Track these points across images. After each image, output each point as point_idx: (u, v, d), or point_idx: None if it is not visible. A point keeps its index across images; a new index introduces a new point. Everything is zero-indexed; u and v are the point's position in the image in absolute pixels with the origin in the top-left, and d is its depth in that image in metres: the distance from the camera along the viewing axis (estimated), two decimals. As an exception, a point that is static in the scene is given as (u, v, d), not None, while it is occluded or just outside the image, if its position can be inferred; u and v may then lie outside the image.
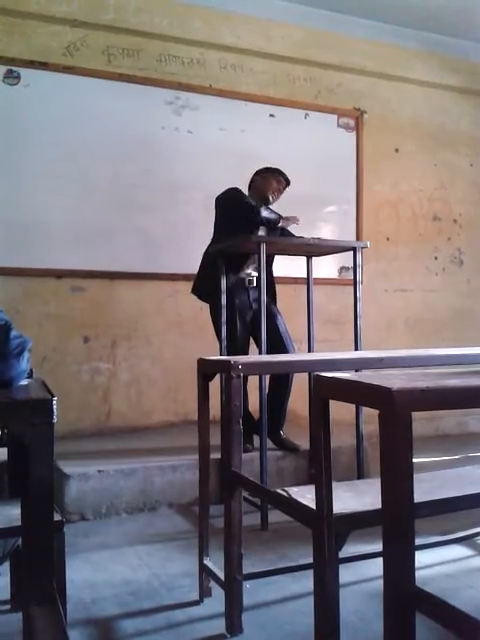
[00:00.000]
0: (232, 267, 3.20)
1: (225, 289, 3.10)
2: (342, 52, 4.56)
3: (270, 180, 3.32)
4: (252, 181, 3.40)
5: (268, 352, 3.09)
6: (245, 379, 3.06)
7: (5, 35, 3.74)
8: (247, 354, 3.18)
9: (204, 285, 3.28)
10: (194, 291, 3.38)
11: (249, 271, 3.27)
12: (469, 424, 4.77)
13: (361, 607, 1.89)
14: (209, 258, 3.24)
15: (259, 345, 2.88)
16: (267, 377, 2.91)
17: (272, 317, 3.23)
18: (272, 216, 3.13)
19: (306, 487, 1.60)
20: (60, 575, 1.59)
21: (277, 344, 3.15)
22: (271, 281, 3.34)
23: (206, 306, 3.35)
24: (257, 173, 3.40)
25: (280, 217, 3.15)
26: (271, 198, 3.32)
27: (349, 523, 1.41)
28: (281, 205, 3.43)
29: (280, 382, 3.20)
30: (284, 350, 3.17)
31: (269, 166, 3.38)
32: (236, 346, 3.13)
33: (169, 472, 2.97)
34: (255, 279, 3.19)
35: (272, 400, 3.19)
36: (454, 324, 4.88)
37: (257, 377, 2.86)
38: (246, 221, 3.14)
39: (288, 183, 3.37)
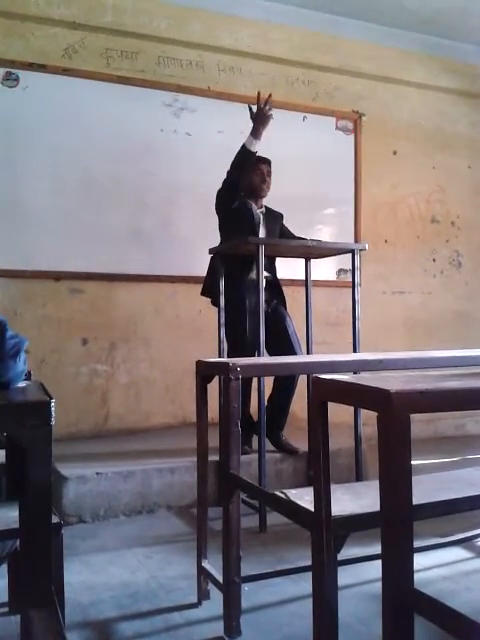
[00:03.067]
0: (241, 268, 3.19)
1: (234, 290, 3.10)
2: (340, 55, 4.57)
3: (256, 171, 3.26)
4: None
5: (275, 354, 3.10)
6: (248, 381, 3.06)
7: (4, 37, 3.74)
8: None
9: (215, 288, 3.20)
10: (205, 293, 3.31)
11: (256, 272, 3.23)
12: (467, 426, 4.78)
13: (360, 609, 1.89)
14: (214, 261, 3.23)
15: (267, 346, 2.88)
16: (265, 379, 2.90)
17: (282, 319, 3.24)
18: (254, 138, 3.09)
19: (304, 489, 1.60)
20: (58, 577, 1.59)
21: (285, 346, 3.15)
22: (277, 283, 3.33)
23: (205, 308, 3.34)
24: None
25: (255, 128, 3.09)
26: (265, 187, 3.30)
27: (348, 525, 1.41)
28: (281, 205, 3.44)
29: (284, 384, 3.19)
30: (291, 353, 3.16)
31: None
32: (245, 348, 3.08)
33: (167, 474, 2.97)
34: (265, 280, 3.18)
35: (275, 402, 3.20)
36: (452, 326, 4.89)
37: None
38: (240, 166, 3.09)
39: (269, 161, 3.32)
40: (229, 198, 3.17)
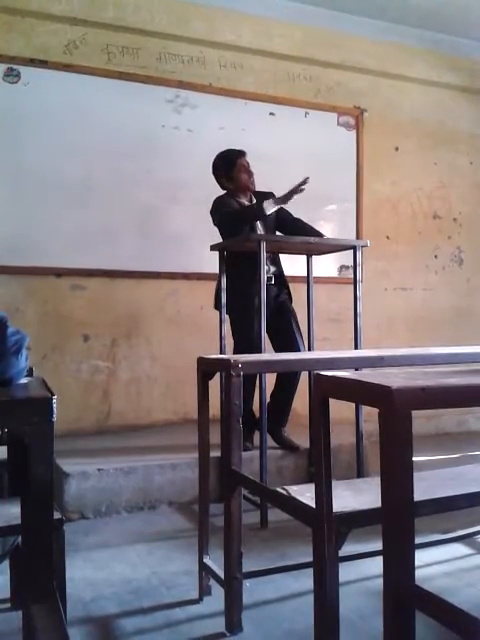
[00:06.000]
0: (248, 264, 3.17)
1: (241, 286, 3.09)
2: (342, 50, 4.56)
3: (240, 168, 3.22)
4: (224, 180, 3.30)
5: (280, 349, 3.10)
6: (250, 377, 3.06)
7: (5, 33, 3.73)
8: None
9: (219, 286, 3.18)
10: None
11: (266, 268, 3.13)
12: (469, 422, 4.78)
13: (361, 605, 1.89)
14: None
15: (273, 342, 2.86)
16: (267, 376, 2.90)
17: (287, 315, 3.24)
18: (275, 205, 3.00)
19: (306, 486, 1.60)
20: (60, 573, 1.59)
21: (288, 342, 3.16)
22: (284, 277, 3.33)
23: (207, 305, 3.34)
24: (222, 171, 3.28)
25: (283, 198, 2.99)
26: (253, 179, 3.27)
27: (349, 522, 1.41)
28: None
29: (287, 380, 3.18)
30: (294, 349, 3.16)
31: (222, 156, 3.28)
32: (253, 344, 3.07)
33: (169, 470, 2.97)
34: (273, 277, 3.17)
35: (277, 398, 3.20)
36: (454, 323, 4.88)
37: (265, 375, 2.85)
38: (247, 221, 3.08)
39: (245, 153, 3.27)
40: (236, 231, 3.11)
